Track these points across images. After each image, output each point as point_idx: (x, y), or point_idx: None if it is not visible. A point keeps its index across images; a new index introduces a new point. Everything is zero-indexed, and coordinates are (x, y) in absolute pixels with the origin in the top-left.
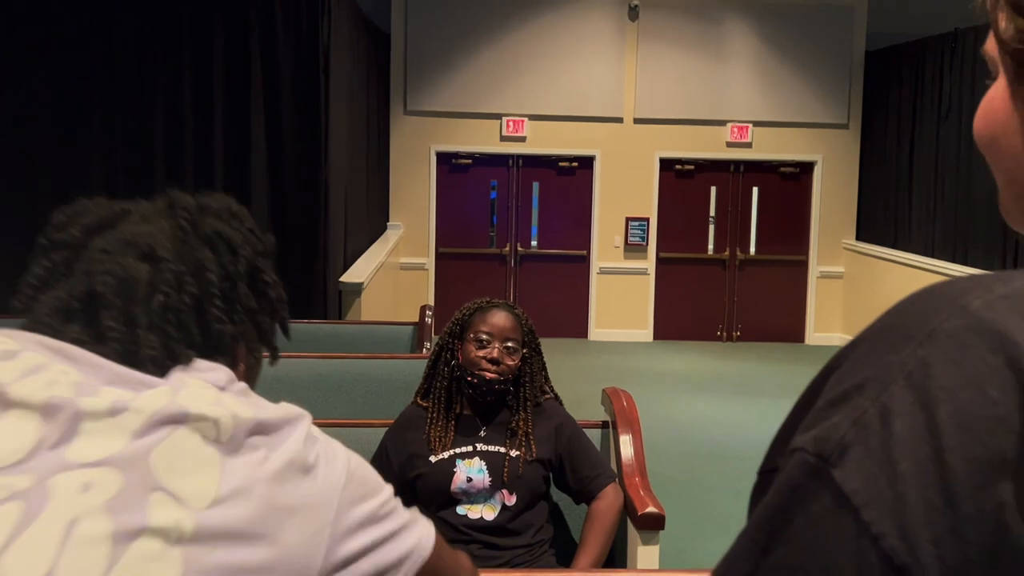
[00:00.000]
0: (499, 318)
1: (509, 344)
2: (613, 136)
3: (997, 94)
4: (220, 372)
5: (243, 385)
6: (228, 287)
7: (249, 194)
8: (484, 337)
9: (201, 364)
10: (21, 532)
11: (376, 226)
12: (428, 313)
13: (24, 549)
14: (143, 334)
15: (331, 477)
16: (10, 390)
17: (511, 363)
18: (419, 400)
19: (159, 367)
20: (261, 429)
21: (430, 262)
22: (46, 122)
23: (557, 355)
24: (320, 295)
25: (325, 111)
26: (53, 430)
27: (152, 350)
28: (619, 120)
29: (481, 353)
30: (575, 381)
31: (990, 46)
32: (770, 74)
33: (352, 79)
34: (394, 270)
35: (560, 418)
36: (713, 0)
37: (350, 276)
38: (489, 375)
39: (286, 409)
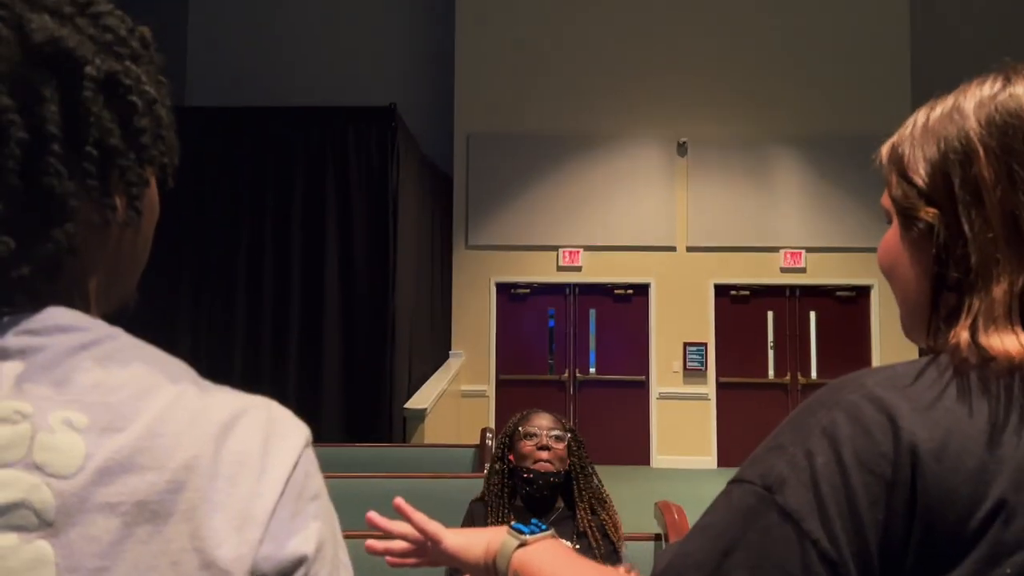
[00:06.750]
0: (541, 418)
1: (555, 433)
2: (667, 264)
3: (893, 235)
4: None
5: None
6: (75, 122)
7: (321, 324)
8: (532, 431)
9: (25, 329)
10: None
11: (439, 354)
12: (488, 435)
13: None
14: None
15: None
16: None
17: (559, 447)
18: (481, 497)
19: None
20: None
21: (491, 389)
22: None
23: (619, 482)
24: (386, 420)
25: (394, 248)
26: None
27: None
28: (672, 249)
29: (532, 443)
30: (639, 509)
31: (885, 200)
32: (820, 202)
33: (418, 218)
34: (456, 397)
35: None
36: (759, 134)
37: (414, 402)
38: (544, 466)
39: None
